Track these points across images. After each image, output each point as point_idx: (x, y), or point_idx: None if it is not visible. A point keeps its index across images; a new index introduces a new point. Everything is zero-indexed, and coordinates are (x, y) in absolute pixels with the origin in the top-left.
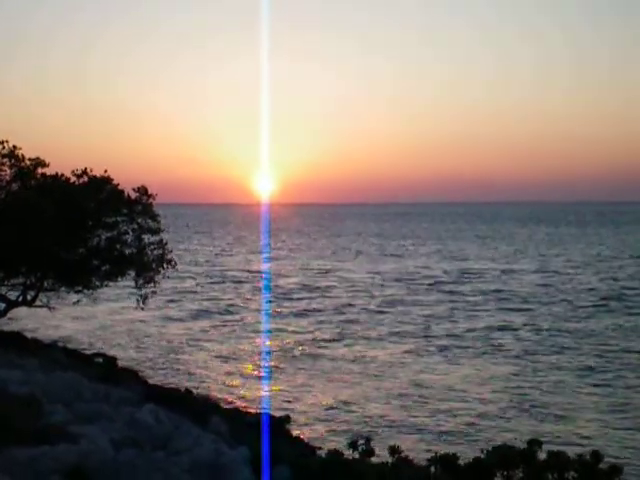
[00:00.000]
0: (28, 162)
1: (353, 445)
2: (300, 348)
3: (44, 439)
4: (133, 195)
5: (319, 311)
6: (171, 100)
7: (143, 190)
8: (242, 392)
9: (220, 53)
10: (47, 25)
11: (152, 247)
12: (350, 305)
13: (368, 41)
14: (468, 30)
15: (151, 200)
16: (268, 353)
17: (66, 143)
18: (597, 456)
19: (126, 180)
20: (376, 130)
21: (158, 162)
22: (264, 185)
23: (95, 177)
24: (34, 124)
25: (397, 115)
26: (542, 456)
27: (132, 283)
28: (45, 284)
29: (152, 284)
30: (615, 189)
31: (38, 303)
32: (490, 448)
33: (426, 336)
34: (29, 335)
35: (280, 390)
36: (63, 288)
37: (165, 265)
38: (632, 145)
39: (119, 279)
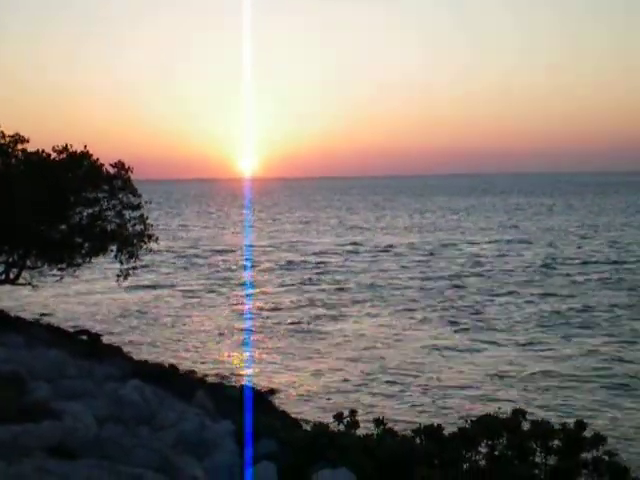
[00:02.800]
0: (8, 138)
1: (338, 418)
2: (285, 322)
3: (28, 416)
4: (111, 170)
5: (304, 285)
6: (149, 74)
7: (120, 165)
8: (227, 367)
9: (201, 22)
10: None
11: (133, 222)
12: (335, 280)
13: (365, 13)
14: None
15: (129, 174)
16: (253, 327)
17: (41, 122)
18: (581, 425)
19: (104, 157)
20: (367, 104)
21: (137, 138)
22: (247, 160)
23: (75, 153)
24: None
25: (390, 91)
26: (526, 425)
27: (114, 259)
28: (28, 262)
29: (133, 260)
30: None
31: (21, 281)
32: (474, 418)
33: (412, 309)
34: (12, 313)
35: (265, 364)
36: (46, 265)
37: (146, 240)
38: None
39: (101, 255)
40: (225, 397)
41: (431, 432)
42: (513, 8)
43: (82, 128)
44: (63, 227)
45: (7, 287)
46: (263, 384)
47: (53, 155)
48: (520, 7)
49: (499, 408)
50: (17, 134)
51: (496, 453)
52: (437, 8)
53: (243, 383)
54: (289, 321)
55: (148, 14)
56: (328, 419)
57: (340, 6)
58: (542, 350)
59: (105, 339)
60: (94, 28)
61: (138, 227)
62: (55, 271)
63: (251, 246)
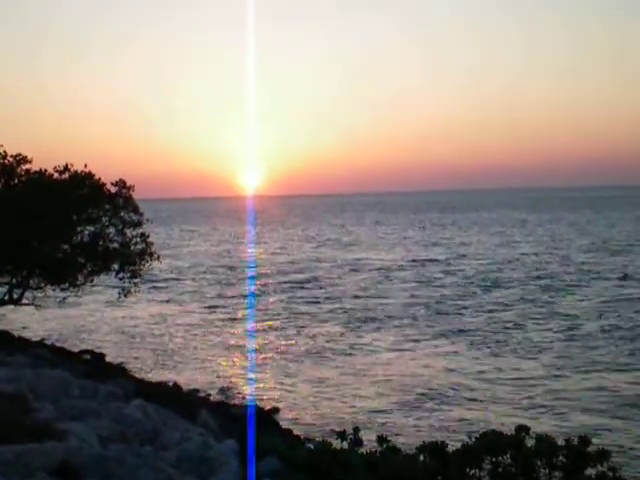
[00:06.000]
0: (10, 159)
1: (342, 435)
2: (288, 340)
3: (31, 436)
4: (113, 189)
5: (306, 303)
6: (146, 89)
7: (122, 183)
8: (231, 385)
9: (201, 37)
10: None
11: (135, 241)
12: (338, 295)
13: (371, 26)
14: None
15: (131, 193)
16: (256, 346)
17: (38, 140)
18: (585, 441)
19: (105, 176)
20: (373, 119)
21: (134, 155)
22: (249, 178)
23: (76, 172)
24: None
25: (396, 106)
26: (530, 442)
27: (116, 278)
28: (31, 282)
29: (136, 278)
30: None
31: (24, 301)
32: (478, 435)
33: (416, 326)
34: (16, 334)
35: (269, 383)
36: (49, 286)
37: (148, 259)
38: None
39: (104, 274)
40: (229, 416)
41: (435, 449)
42: (518, 18)
43: (79, 145)
44: (65, 247)
45: (11, 307)
46: (267, 403)
47: (55, 175)
48: (524, 18)
49: (502, 424)
50: (19, 154)
51: (500, 470)
52: (440, 19)
53: (247, 402)
54: (292, 339)
55: (145, 27)
56: (332, 437)
57: (346, 18)
58: (546, 367)
59: (109, 358)
60: (90, 42)
61: (140, 245)
62: (58, 291)
63: (254, 263)
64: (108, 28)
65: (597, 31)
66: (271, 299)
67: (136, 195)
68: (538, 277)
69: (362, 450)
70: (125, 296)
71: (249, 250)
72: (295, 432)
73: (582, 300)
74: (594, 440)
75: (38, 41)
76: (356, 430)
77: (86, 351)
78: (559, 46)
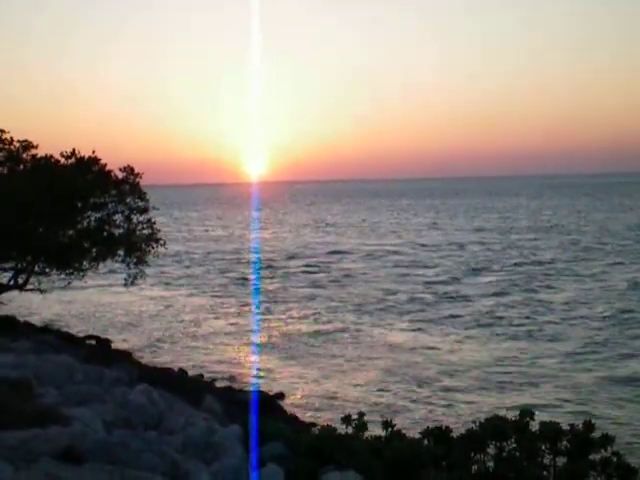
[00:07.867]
0: (17, 144)
1: (346, 420)
2: (293, 326)
3: (36, 421)
4: (120, 175)
5: (312, 288)
6: (153, 76)
7: (129, 170)
8: (236, 371)
9: (206, 21)
10: None
11: (141, 226)
12: (343, 280)
13: (376, 13)
14: None
15: (138, 179)
16: (261, 330)
17: (49, 127)
18: (589, 426)
19: (113, 162)
20: (378, 107)
21: (145, 143)
22: (254, 165)
23: (83, 158)
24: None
25: (400, 93)
26: (534, 427)
27: (122, 263)
28: (36, 267)
29: (141, 263)
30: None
31: (30, 287)
32: (482, 420)
33: (420, 311)
34: (21, 319)
35: (274, 368)
36: (54, 271)
37: (154, 244)
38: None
39: (109, 260)
40: (234, 401)
41: (439, 434)
42: (524, 10)
43: (83, 132)
44: (71, 232)
45: (16, 293)
46: (272, 388)
47: (62, 161)
48: (531, 10)
49: (507, 409)
50: (26, 140)
51: (504, 454)
52: (448, 9)
53: (252, 387)
54: (297, 325)
55: (146, 10)
56: (336, 422)
57: (350, 5)
58: (551, 352)
59: (114, 344)
60: (86, 25)
61: (146, 231)
62: (63, 276)
63: (259, 248)
64: (100, 19)
65: (607, 17)
66: (276, 284)
67: (141, 181)
68: (536, 262)
69: (367, 435)
70: (132, 283)
71: (254, 235)
72: (300, 417)
73: (585, 285)
74: (598, 425)
75: (28, 27)
76: (361, 415)
77: (91, 336)
78: (578, 30)
